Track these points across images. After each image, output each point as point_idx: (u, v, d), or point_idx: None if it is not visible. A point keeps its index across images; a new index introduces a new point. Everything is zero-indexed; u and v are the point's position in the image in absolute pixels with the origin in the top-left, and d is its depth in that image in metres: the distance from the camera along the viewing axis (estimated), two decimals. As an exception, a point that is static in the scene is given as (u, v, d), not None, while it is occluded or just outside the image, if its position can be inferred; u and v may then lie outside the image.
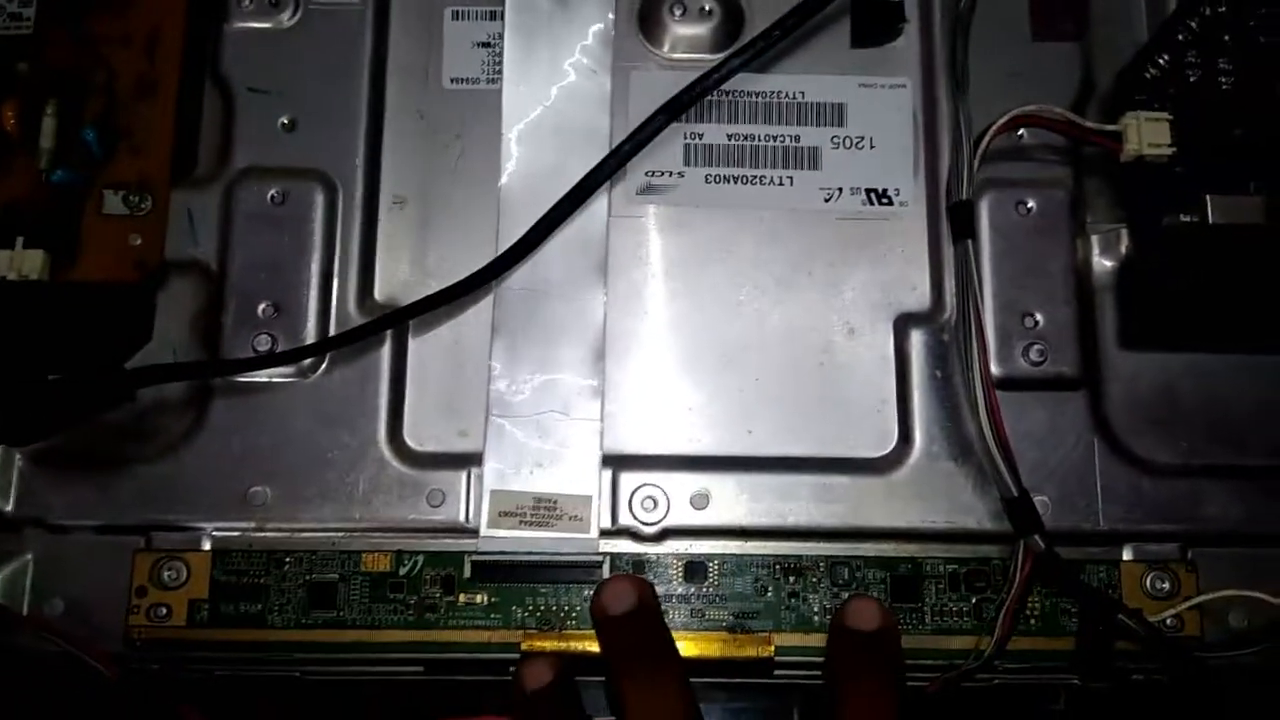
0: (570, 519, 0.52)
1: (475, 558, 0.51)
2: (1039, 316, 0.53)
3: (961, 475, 0.52)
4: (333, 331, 0.52)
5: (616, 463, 0.52)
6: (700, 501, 0.52)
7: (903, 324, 0.54)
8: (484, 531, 0.51)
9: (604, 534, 0.52)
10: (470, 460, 0.52)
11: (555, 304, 0.54)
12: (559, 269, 0.54)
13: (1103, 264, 0.54)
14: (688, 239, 0.55)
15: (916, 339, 0.54)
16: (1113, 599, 0.50)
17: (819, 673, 0.50)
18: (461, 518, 0.52)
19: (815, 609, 0.51)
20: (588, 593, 0.51)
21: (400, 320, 0.51)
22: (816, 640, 0.50)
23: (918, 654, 0.50)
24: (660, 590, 0.51)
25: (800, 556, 0.51)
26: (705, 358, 0.53)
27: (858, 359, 0.53)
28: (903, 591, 0.51)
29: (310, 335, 0.52)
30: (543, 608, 0.51)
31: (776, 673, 0.51)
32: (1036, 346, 0.52)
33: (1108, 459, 0.52)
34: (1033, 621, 0.51)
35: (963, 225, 0.52)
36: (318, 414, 0.51)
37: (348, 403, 0.52)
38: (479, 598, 0.51)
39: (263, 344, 0.53)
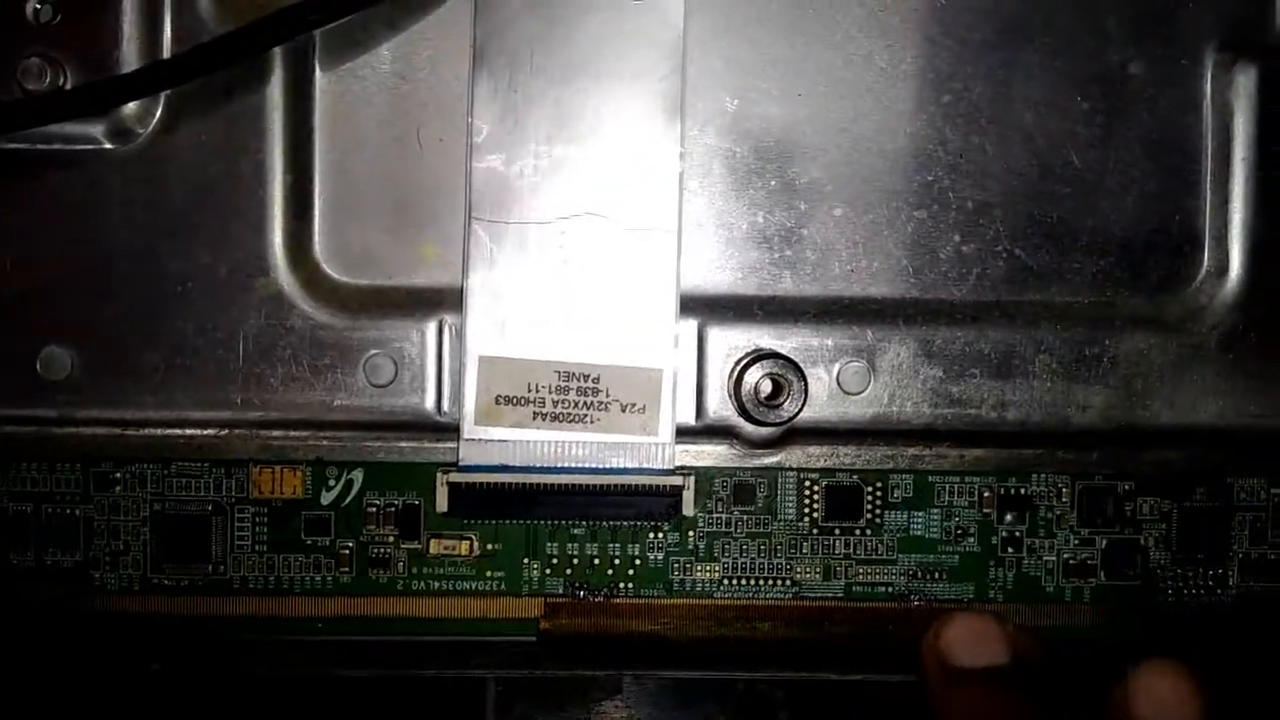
0: (624, 409, 0.29)
1: (455, 476, 0.28)
2: None
3: (1317, 337, 0.30)
4: (169, 52, 0.29)
5: (706, 309, 0.29)
6: (854, 379, 0.29)
7: (1228, 57, 0.29)
8: (468, 431, 0.29)
9: (684, 435, 0.29)
10: (440, 302, 0.29)
11: (593, 7, 0.29)
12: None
13: None
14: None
15: (1249, 84, 0.29)
16: None
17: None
18: (429, 405, 0.29)
19: (1046, 566, 0.30)
20: (657, 536, 0.29)
21: (294, 30, 0.28)
22: (1049, 618, 0.29)
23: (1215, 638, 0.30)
24: (780, 531, 0.29)
25: (1026, 475, 0.29)
26: (867, 112, 0.29)
27: (1139, 119, 0.30)
28: (1194, 532, 0.30)
29: (128, 61, 0.29)
30: (575, 561, 0.29)
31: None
32: None
33: None
34: None
35: None
36: (154, 212, 0.30)
37: (209, 192, 0.30)
38: (462, 546, 0.29)
39: (37, 76, 0.28)
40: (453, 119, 0.29)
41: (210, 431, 0.29)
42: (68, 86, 0.29)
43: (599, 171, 0.29)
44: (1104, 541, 0.30)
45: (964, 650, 0.24)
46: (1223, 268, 0.30)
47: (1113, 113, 0.30)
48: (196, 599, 0.29)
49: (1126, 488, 0.30)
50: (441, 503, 0.29)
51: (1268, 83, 0.30)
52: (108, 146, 0.29)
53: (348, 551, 0.29)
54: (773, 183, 0.30)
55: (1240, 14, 0.30)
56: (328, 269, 0.29)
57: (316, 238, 0.29)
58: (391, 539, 0.29)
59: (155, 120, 0.29)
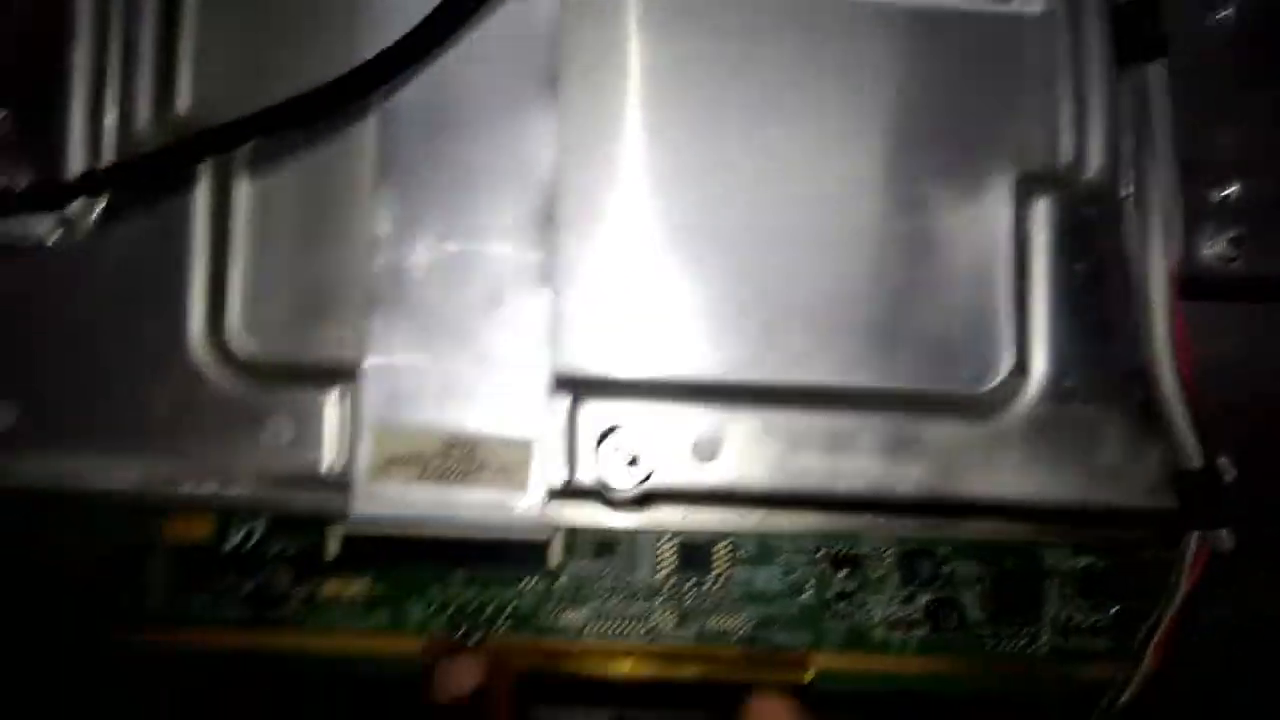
0: (500, 472, 0.33)
1: (349, 528, 0.32)
2: (1235, 188, 0.35)
3: (1107, 423, 0.34)
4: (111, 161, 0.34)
5: (576, 387, 0.34)
6: (705, 450, 0.34)
7: (1026, 188, 0.35)
8: (362, 487, 0.32)
9: (555, 495, 0.33)
10: (341, 375, 0.34)
11: (476, 132, 0.34)
12: (481, 75, 0.34)
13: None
14: (690, 39, 0.34)
15: (1045, 212, 0.35)
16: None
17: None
18: (326, 464, 0.33)
19: (876, 618, 0.34)
20: (531, 583, 0.33)
21: (221, 148, 0.33)
22: (879, 664, 0.33)
23: (1028, 688, 0.33)
24: (639, 580, 0.33)
25: (856, 538, 0.34)
26: (711, 229, 0.34)
27: (951, 240, 0.35)
28: (1009, 596, 0.34)
29: (74, 167, 0.34)
30: (456, 604, 0.33)
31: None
32: (1231, 233, 0.34)
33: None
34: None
35: (1142, 38, 0.34)
36: (91, 294, 0.34)
37: (139, 279, 0.34)
38: (354, 588, 0.33)
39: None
40: (360, 219, 0.34)
41: (131, 484, 0.33)
42: (20, 190, 0.33)
43: (486, 269, 0.33)
44: (924, 598, 0.34)
45: None
46: (1025, 368, 0.34)
47: (921, 239, 0.34)
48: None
49: (946, 551, 0.34)
50: (336, 550, 0.33)
51: (1064, 218, 0.35)
52: (54, 240, 0.33)
53: (250, 591, 0.33)
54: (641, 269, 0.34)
55: (1040, 154, 0.35)
56: (241, 345, 0.33)
57: (233, 321, 0.33)
58: (288, 581, 0.33)
59: (93, 218, 0.33)
